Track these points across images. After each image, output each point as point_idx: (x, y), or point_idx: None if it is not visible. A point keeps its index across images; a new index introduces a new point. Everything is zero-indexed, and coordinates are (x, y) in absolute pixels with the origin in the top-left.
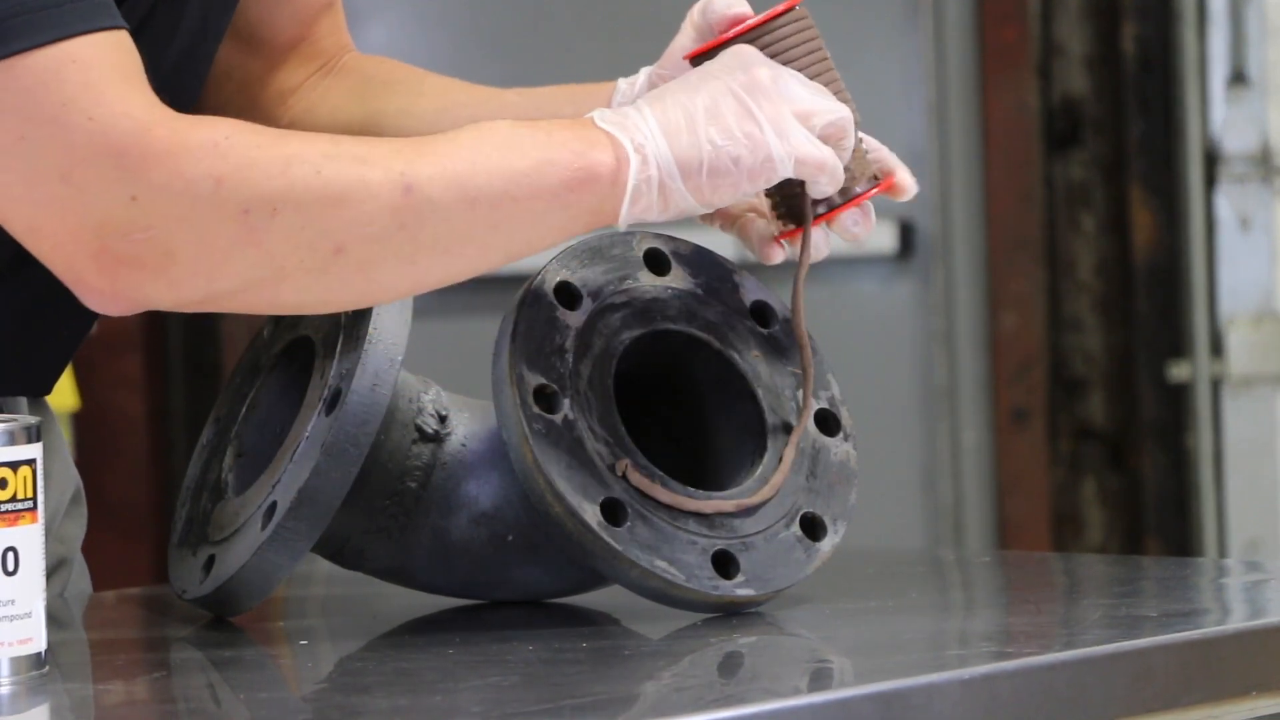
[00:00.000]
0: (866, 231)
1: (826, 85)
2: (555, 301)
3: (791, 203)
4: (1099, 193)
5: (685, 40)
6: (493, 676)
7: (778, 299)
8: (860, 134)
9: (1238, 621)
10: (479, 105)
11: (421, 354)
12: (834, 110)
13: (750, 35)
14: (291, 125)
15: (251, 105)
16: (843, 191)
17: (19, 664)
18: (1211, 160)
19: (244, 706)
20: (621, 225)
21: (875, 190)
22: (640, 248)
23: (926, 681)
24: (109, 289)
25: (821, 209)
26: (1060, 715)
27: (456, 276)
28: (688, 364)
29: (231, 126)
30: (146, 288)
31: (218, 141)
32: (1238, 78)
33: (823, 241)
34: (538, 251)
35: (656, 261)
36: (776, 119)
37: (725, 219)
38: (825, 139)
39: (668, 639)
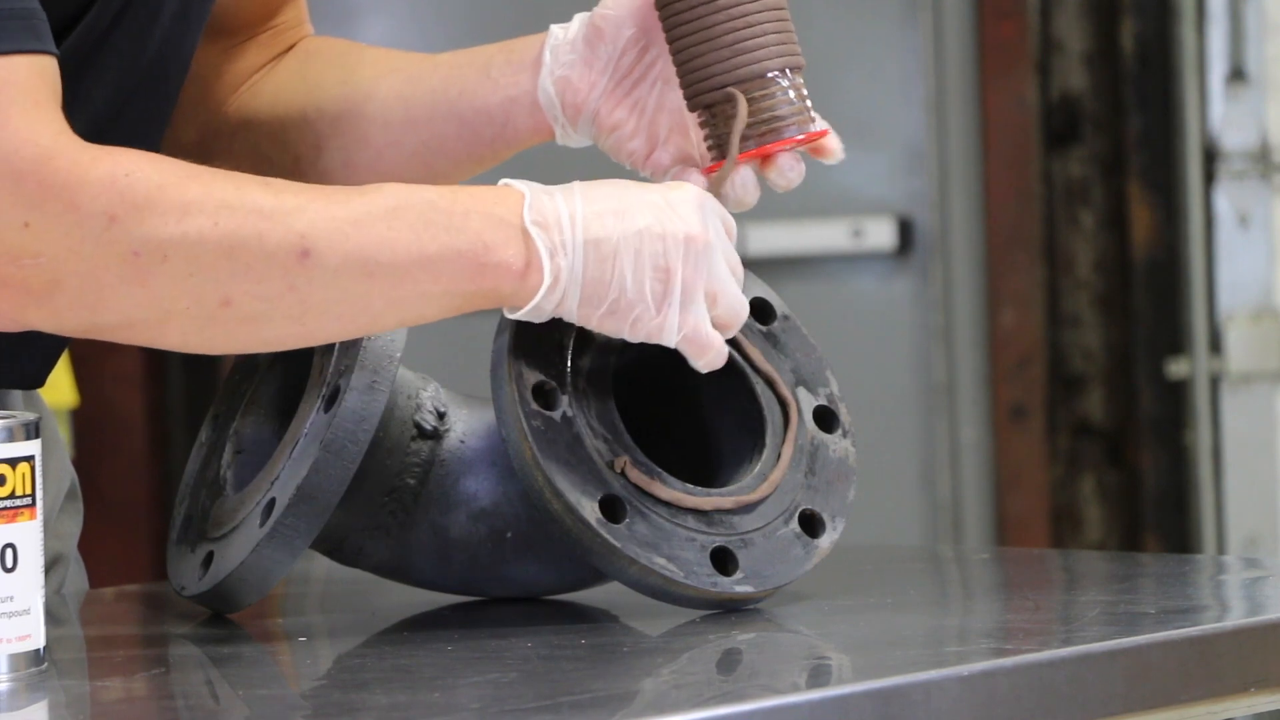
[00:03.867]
0: (798, 178)
1: (782, 24)
2: None
3: (722, 138)
4: (1098, 189)
5: None
6: (491, 673)
7: (776, 296)
8: (803, 82)
9: (1236, 618)
10: (414, 67)
11: (420, 351)
12: (737, 300)
13: None
14: (236, 112)
15: (204, 94)
16: (775, 132)
17: (18, 660)
18: (1210, 157)
19: (243, 703)
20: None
21: (804, 141)
22: None
23: (925, 678)
24: None
25: (751, 145)
26: (1059, 712)
27: (349, 337)
28: (686, 361)
29: (136, 162)
30: (29, 312)
31: (117, 178)
32: (1236, 74)
33: (751, 183)
34: (426, 322)
35: None
36: (688, 292)
37: (657, 170)
38: (717, 322)
39: (666, 636)
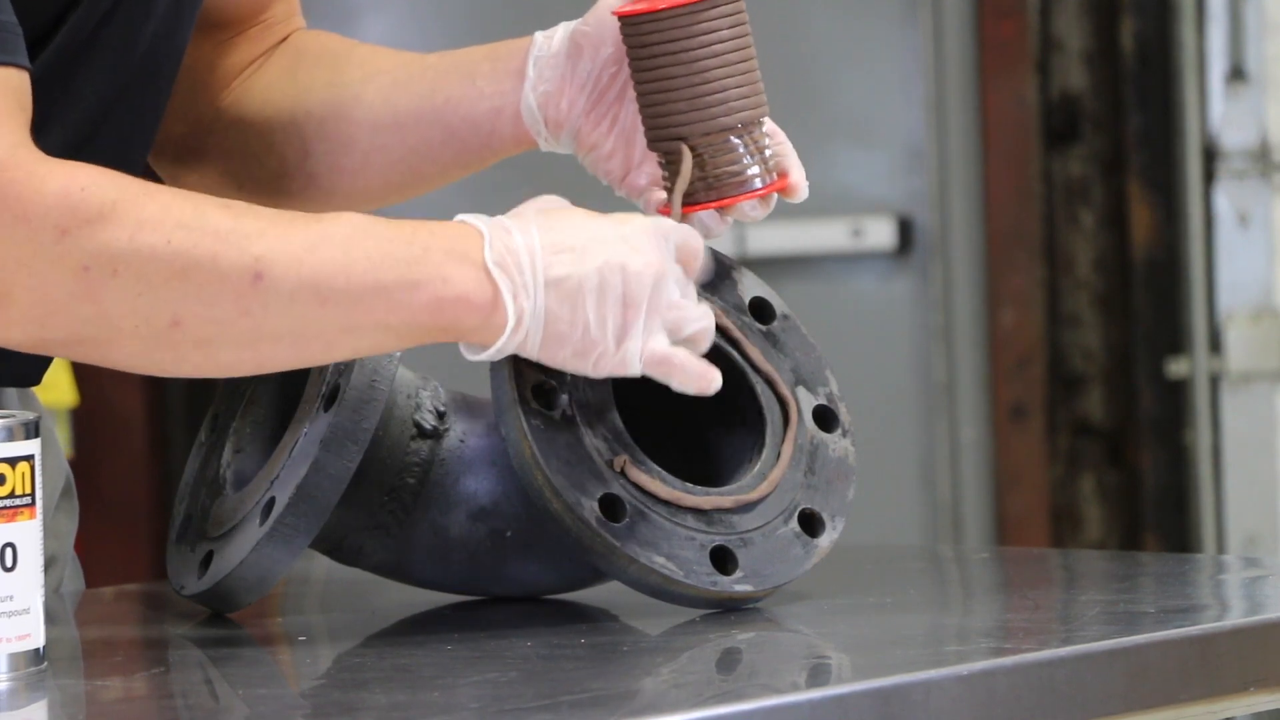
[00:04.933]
0: (761, 216)
1: (745, 76)
2: None
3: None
4: (1097, 188)
5: (612, 1)
6: (491, 672)
7: (776, 295)
8: (767, 127)
9: (1236, 617)
10: (401, 70)
11: (420, 351)
12: (697, 317)
13: (672, 12)
14: (226, 110)
15: (197, 88)
16: (729, 187)
17: (17, 660)
18: (1210, 156)
19: (242, 702)
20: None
21: (758, 194)
22: None
23: (925, 677)
24: None
25: (702, 199)
26: (1058, 711)
27: (304, 365)
28: None
29: (92, 177)
30: None
31: (71, 192)
32: (1236, 73)
33: (715, 223)
34: (387, 352)
35: None
36: (648, 324)
37: (632, 191)
38: (688, 342)
39: (666, 635)
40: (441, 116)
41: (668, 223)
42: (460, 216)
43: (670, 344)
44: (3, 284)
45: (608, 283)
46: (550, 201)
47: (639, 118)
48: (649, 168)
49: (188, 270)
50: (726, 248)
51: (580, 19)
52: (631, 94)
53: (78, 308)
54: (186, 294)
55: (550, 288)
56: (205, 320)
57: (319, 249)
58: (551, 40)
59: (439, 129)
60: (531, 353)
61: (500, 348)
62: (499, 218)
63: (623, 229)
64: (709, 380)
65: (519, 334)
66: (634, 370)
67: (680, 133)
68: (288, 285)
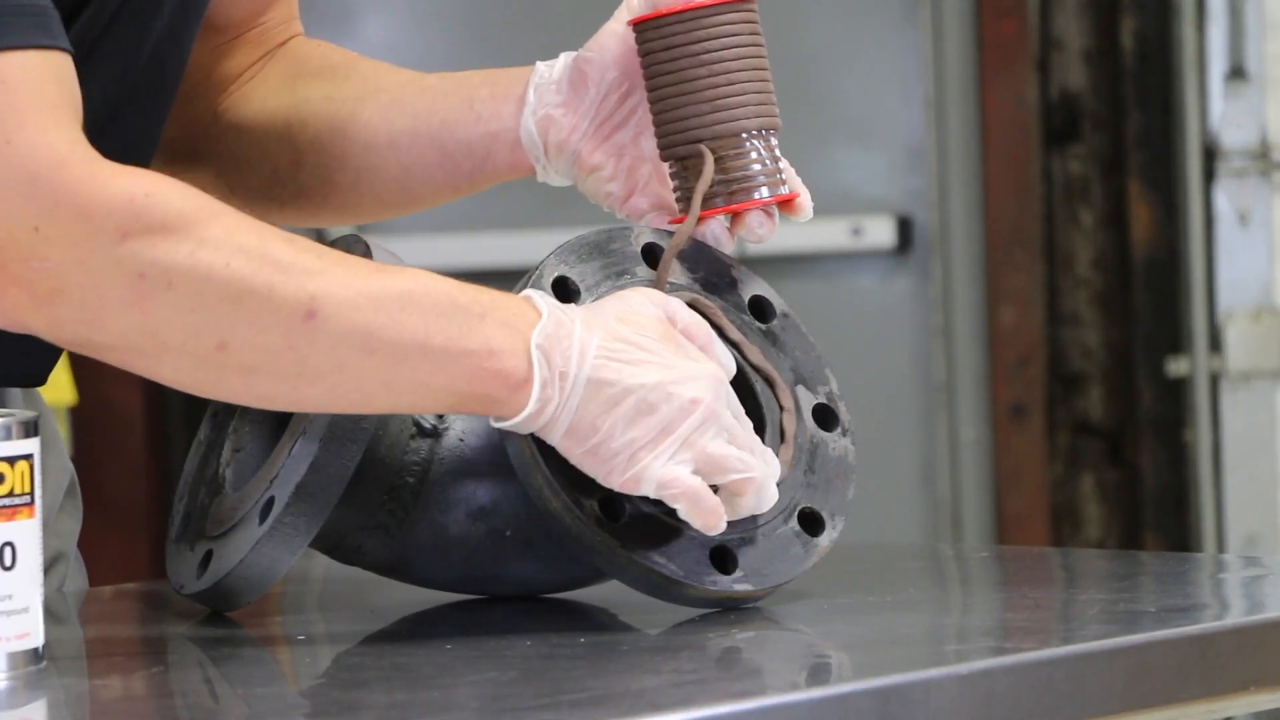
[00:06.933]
0: (769, 235)
1: (762, 83)
2: (553, 296)
3: (690, 192)
4: (1097, 187)
5: (617, 25)
6: (490, 671)
7: (776, 293)
8: (777, 144)
9: (1236, 616)
10: (400, 89)
11: None
12: (749, 469)
13: (695, 13)
14: (223, 115)
15: (194, 92)
16: (744, 191)
17: (16, 659)
18: (1210, 155)
19: (242, 702)
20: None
21: (772, 202)
22: (639, 243)
23: (924, 677)
24: None
25: (719, 203)
26: (1058, 710)
27: (340, 410)
28: None
29: (155, 184)
30: (28, 315)
31: (136, 197)
32: (1236, 72)
33: (724, 234)
34: (418, 413)
35: (654, 257)
36: (677, 451)
37: (634, 214)
38: (733, 492)
39: (666, 634)
40: (437, 138)
41: (726, 383)
42: (527, 292)
43: (692, 475)
44: (58, 279)
45: (647, 401)
46: (653, 296)
47: (641, 140)
48: (651, 190)
49: (242, 296)
50: (726, 246)
51: (583, 47)
52: (635, 119)
53: (127, 315)
54: (238, 319)
55: (590, 386)
56: (252, 347)
57: (377, 299)
58: (553, 69)
59: (434, 150)
60: (553, 441)
61: (518, 424)
62: (573, 305)
63: (693, 364)
64: (718, 519)
65: (538, 420)
66: (646, 490)
67: (701, 134)
68: (339, 327)
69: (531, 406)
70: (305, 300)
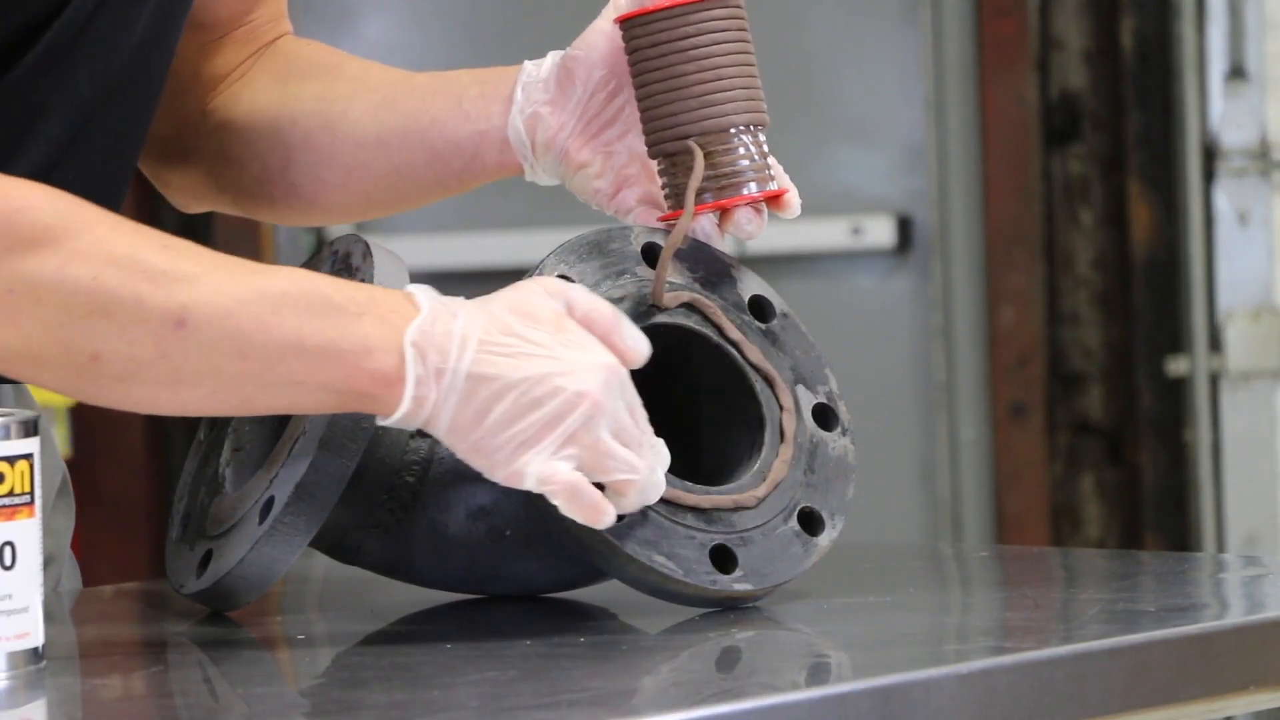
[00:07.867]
0: (758, 231)
1: (750, 79)
2: None
3: (680, 188)
4: (1097, 187)
5: (605, 24)
6: (490, 671)
7: (775, 293)
8: (765, 140)
9: (1236, 616)
10: (390, 88)
11: None
12: (632, 470)
13: (681, 9)
14: (214, 112)
15: (183, 90)
16: (733, 187)
17: (16, 659)
18: (1210, 154)
19: (241, 701)
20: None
21: (761, 198)
22: (638, 242)
23: (924, 676)
24: None
25: (709, 198)
26: (1058, 710)
27: (223, 414)
28: (685, 358)
29: (35, 198)
30: None
31: (8, 212)
32: (1236, 72)
33: (714, 230)
34: (300, 413)
35: (654, 256)
36: (561, 446)
37: (621, 210)
38: (615, 491)
39: (665, 634)
40: (426, 138)
41: (624, 374)
42: (411, 287)
43: (573, 470)
44: None
45: (530, 395)
46: (549, 285)
47: (629, 138)
48: (639, 186)
49: (110, 308)
50: (726, 246)
51: (570, 46)
52: (623, 117)
53: (1, 330)
54: (107, 331)
55: (470, 381)
56: (124, 358)
57: (249, 303)
58: (541, 67)
59: (423, 150)
60: (439, 436)
61: (395, 422)
62: (457, 299)
63: (584, 355)
64: (600, 514)
65: (417, 417)
66: (529, 486)
67: (689, 130)
68: (210, 335)
69: (406, 404)
70: (175, 309)
